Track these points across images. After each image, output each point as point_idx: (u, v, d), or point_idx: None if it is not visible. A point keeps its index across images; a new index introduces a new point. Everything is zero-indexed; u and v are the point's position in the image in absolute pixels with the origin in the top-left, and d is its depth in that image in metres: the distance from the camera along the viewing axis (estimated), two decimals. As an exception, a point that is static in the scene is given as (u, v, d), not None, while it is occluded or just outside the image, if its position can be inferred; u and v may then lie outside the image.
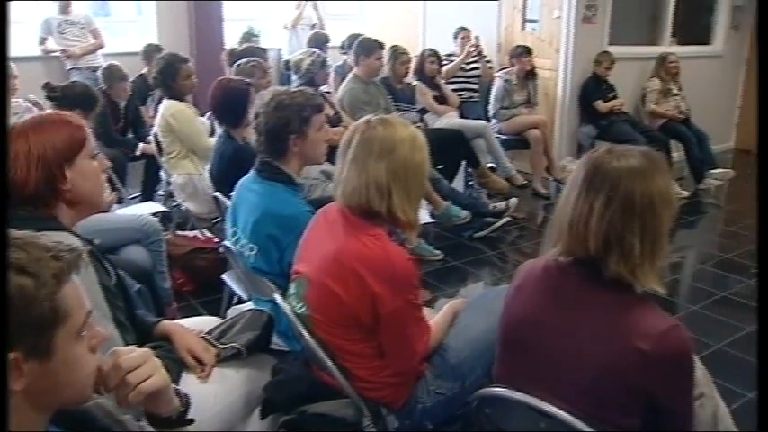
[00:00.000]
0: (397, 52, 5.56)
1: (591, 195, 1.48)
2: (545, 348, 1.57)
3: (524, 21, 7.05)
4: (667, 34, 7.59)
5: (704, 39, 8.22)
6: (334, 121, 4.56)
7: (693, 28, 8.18)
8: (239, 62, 4.54)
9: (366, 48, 5.13)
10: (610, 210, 1.46)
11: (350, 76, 5.20)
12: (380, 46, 5.22)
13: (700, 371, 2.00)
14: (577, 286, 1.54)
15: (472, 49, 6.68)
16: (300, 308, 1.98)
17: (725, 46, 8.23)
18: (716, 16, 8.19)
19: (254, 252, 2.42)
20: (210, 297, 3.68)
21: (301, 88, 2.71)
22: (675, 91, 7.00)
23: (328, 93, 5.53)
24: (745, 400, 3.09)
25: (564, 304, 1.55)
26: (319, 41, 6.56)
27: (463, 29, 6.89)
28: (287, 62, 5.08)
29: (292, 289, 2.05)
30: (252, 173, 2.52)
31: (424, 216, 4.95)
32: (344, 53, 6.47)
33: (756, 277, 2.07)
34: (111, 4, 7.65)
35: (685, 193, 6.42)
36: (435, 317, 2.13)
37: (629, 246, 1.45)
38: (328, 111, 4.71)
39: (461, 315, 2.14)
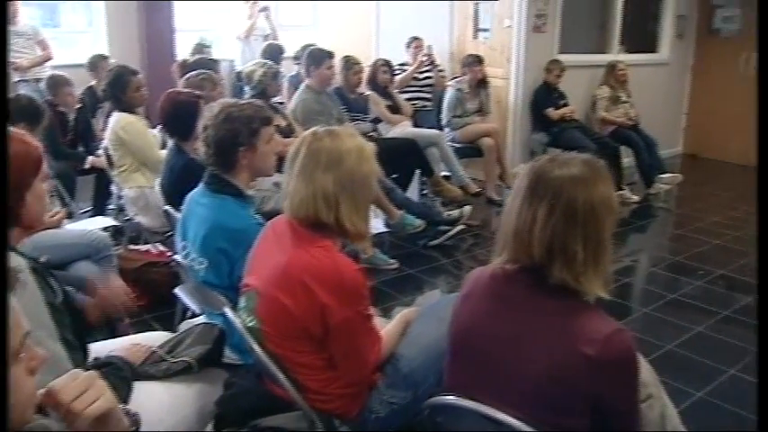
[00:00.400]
0: (350, 62, 5.58)
1: (534, 204, 1.50)
2: (493, 356, 1.59)
3: (476, 30, 7.13)
4: (615, 42, 7.74)
5: (651, 47, 8.43)
6: (287, 132, 4.54)
7: (640, 36, 8.38)
8: (189, 74, 4.50)
9: (316, 58, 5.13)
10: (553, 218, 1.48)
11: (302, 86, 5.19)
12: (330, 55, 5.22)
13: (648, 373, 2.04)
14: (523, 293, 1.56)
15: (425, 58, 6.73)
16: (251, 321, 1.97)
17: (670, 54, 8.45)
18: (661, 25, 8.40)
19: (204, 266, 2.40)
20: (164, 311, 3.63)
21: (250, 100, 2.70)
22: (624, 98, 7.13)
23: (281, 103, 5.51)
24: (695, 399, 3.16)
25: (511, 311, 1.57)
26: (274, 52, 6.55)
27: (416, 38, 6.93)
28: (239, 73, 5.06)
29: (242, 302, 2.04)
30: (201, 186, 2.50)
31: (379, 225, 4.97)
32: (298, 63, 6.46)
33: (757, 294, 2.11)
34: (61, 14, 7.53)
35: (636, 198, 6.55)
36: (387, 326, 2.13)
37: (573, 253, 1.48)
38: (281, 122, 4.71)
39: (414, 324, 2.15)
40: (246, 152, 2.41)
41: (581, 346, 1.44)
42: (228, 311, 2.07)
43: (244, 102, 2.53)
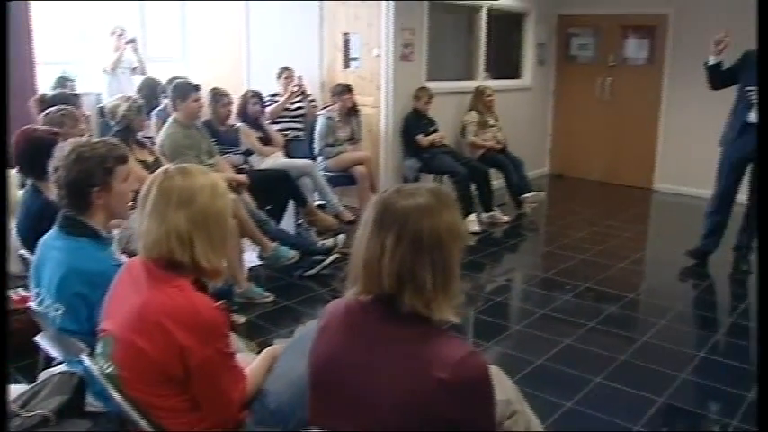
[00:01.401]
0: (218, 95, 5.53)
1: (382, 235, 1.53)
2: (351, 386, 1.60)
3: (346, 59, 7.23)
4: (481, 69, 8.05)
5: (514, 73, 8.84)
6: (155, 168, 4.42)
7: (505, 63, 8.77)
8: (49, 110, 4.32)
9: (182, 91, 5.04)
10: (400, 247, 1.51)
11: (169, 120, 5.08)
12: (197, 88, 5.14)
13: (511, 390, 2.11)
14: (378, 323, 1.58)
15: (295, 88, 6.75)
16: (108, 367, 1.90)
17: (533, 79, 8.90)
18: (523, 53, 8.82)
19: (60, 312, 2.30)
20: (27, 361, 3.45)
21: (104, 138, 2.61)
22: (492, 122, 7.40)
23: (149, 138, 5.38)
24: (565, 410, 3.28)
25: (366, 342, 1.59)
26: (151, 89, 6.41)
27: (286, 69, 6.95)
28: (101, 108, 4.89)
29: (99, 348, 1.97)
30: (54, 229, 2.40)
31: (253, 258, 4.93)
32: (165, 97, 6.33)
33: (758, 294, 2.19)
34: None
35: (506, 219, 6.80)
36: (252, 363, 2.11)
37: (422, 280, 1.51)
38: (148, 157, 4.60)
39: (280, 358, 2.13)
40: (101, 192, 2.33)
41: (434, 371, 1.48)
42: (86, 358, 2.00)
43: (97, 140, 2.45)
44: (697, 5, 7.81)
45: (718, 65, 5.23)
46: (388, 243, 1.52)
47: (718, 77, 5.29)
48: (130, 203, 2.40)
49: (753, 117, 5.08)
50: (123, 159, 2.40)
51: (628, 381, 3.59)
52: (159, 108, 6.25)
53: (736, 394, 3.50)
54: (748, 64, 5.09)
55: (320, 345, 1.68)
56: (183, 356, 1.78)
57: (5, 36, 1.33)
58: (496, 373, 2.04)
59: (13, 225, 3.69)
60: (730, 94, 5.29)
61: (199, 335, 1.79)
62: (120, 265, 2.19)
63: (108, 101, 5.00)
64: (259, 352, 2.26)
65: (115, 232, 2.90)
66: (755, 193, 5.33)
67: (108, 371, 1.91)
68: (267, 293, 4.55)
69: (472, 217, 6.44)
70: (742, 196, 5.43)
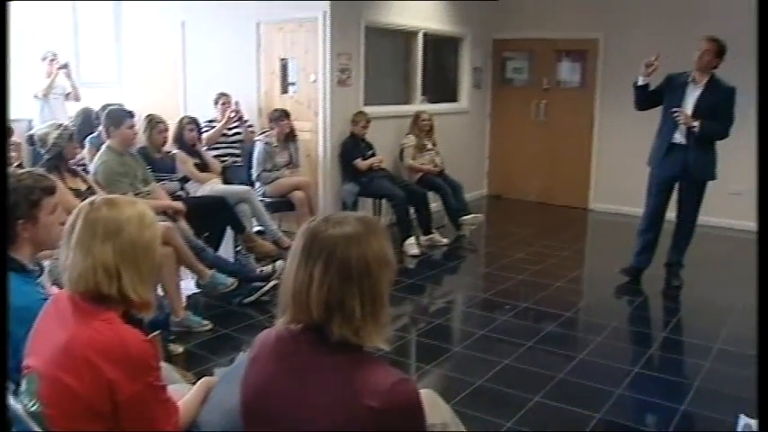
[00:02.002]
0: (153, 121, 5.45)
1: (310, 264, 1.54)
2: (283, 417, 1.59)
3: (284, 85, 7.23)
4: (418, 93, 8.15)
5: (452, 96, 8.96)
6: (87, 197, 4.33)
7: (442, 87, 8.89)
8: (-26, 139, 4.20)
9: (115, 118, 4.95)
10: (328, 276, 1.52)
11: (103, 148, 4.98)
12: (131, 114, 5.08)
13: (447, 413, 2.12)
14: (308, 352, 1.58)
15: (233, 114, 6.72)
16: (33, 405, 1.84)
17: (470, 103, 9.03)
18: (460, 76, 8.95)
19: (-17, 348, 2.23)
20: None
21: (30, 170, 2.56)
22: (430, 146, 7.48)
23: (82, 166, 5.27)
24: (504, 430, 3.30)
25: (297, 371, 1.58)
26: (86, 118, 6.31)
27: (223, 94, 6.92)
28: (31, 137, 4.76)
29: (23, 386, 1.91)
30: (-23, 262, 2.34)
31: (190, 286, 4.86)
32: (99, 123, 6.22)
33: (758, 294, 2.19)
34: None
35: (445, 241, 6.86)
36: (186, 395, 2.08)
37: (350, 309, 1.52)
38: (81, 185, 4.51)
39: (215, 389, 2.11)
40: (27, 225, 2.28)
41: (365, 399, 1.48)
42: (9, 397, 1.93)
43: (23, 171, 2.40)
44: (625, 31, 8.09)
45: (646, 86, 5.41)
46: (316, 272, 1.52)
47: (645, 98, 5.47)
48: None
49: (678, 137, 5.28)
50: (50, 191, 2.36)
51: (566, 398, 3.64)
52: (93, 135, 6.13)
53: (670, 407, 3.59)
54: (672, 86, 5.34)
55: (251, 375, 1.67)
56: (111, 392, 1.74)
57: (5, 36, 1.32)
58: (431, 396, 2.05)
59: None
60: (658, 114, 5.47)
61: (127, 369, 1.75)
62: (47, 298, 2.13)
63: (38, 128, 4.89)
64: (195, 382, 2.23)
65: (46, 263, 2.83)
66: (683, 211, 5.51)
67: (33, 409, 1.85)
68: (205, 322, 4.49)
69: (411, 240, 6.49)
70: (671, 213, 5.59)
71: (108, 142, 4.98)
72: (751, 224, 7.44)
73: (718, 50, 5.15)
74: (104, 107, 5.86)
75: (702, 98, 5.20)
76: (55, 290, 2.49)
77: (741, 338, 4.47)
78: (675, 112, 5.19)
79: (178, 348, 4.09)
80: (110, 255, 1.80)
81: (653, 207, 5.57)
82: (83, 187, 4.52)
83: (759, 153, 2.77)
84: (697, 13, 7.59)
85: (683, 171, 5.33)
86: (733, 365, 4.09)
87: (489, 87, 9.43)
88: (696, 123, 5.13)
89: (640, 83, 5.40)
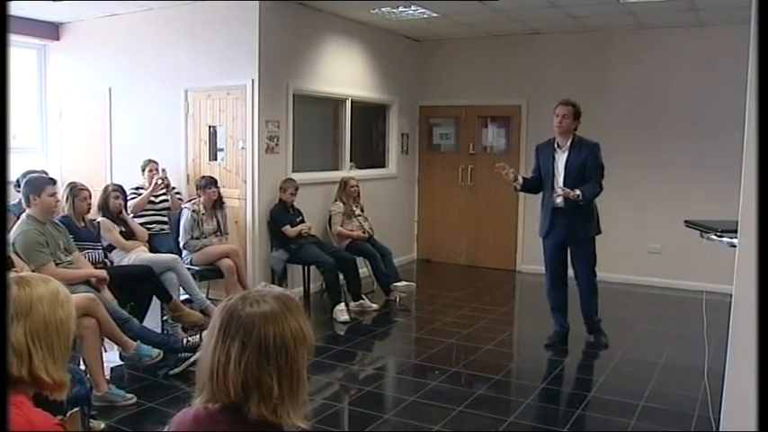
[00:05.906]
0: (76, 188, 5.32)
1: (227, 343, 1.52)
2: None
3: (212, 152, 7.21)
4: (347, 160, 8.23)
5: (381, 162, 9.08)
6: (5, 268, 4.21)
7: (370, 153, 9.03)
8: None
9: (35, 186, 4.81)
10: (245, 355, 1.51)
11: (23, 216, 4.83)
12: (53, 181, 4.96)
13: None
14: (226, 432, 1.56)
15: (160, 181, 6.65)
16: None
17: (398, 168, 9.18)
18: (388, 142, 9.12)
19: None
20: None
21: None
22: (358, 212, 7.54)
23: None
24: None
25: (214, 452, 1.56)
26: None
27: (151, 161, 6.85)
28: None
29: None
30: None
31: (114, 358, 4.72)
32: (19, 190, 6.06)
33: (758, 294, 2.18)
34: None
35: (375, 306, 6.87)
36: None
37: (268, 388, 1.51)
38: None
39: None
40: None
41: None
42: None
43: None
44: (545, 96, 8.38)
45: (525, 180, 5.84)
46: (234, 351, 1.51)
47: (534, 186, 5.87)
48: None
49: (559, 201, 5.57)
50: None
51: (495, 464, 3.66)
52: (13, 203, 5.96)
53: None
54: (542, 155, 5.76)
55: (168, 457, 1.63)
56: (21, 480, 1.67)
57: (6, 36, 1.28)
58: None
59: None
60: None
61: (38, 456, 1.69)
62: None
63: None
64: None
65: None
66: (578, 269, 5.76)
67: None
68: (129, 395, 4.35)
69: (341, 306, 6.48)
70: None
71: (28, 211, 4.84)
72: (671, 281, 7.74)
73: (575, 113, 5.53)
74: (25, 174, 5.73)
75: (570, 159, 5.54)
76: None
77: (664, 395, 4.59)
78: (558, 194, 5.51)
79: (99, 425, 3.94)
80: (20, 335, 1.75)
81: (552, 270, 5.81)
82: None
83: (759, 154, 2.81)
84: (608, 83, 7.96)
85: (570, 234, 5.60)
86: (657, 423, 4.17)
87: (417, 153, 9.63)
88: (579, 193, 5.39)
89: (519, 187, 5.86)
